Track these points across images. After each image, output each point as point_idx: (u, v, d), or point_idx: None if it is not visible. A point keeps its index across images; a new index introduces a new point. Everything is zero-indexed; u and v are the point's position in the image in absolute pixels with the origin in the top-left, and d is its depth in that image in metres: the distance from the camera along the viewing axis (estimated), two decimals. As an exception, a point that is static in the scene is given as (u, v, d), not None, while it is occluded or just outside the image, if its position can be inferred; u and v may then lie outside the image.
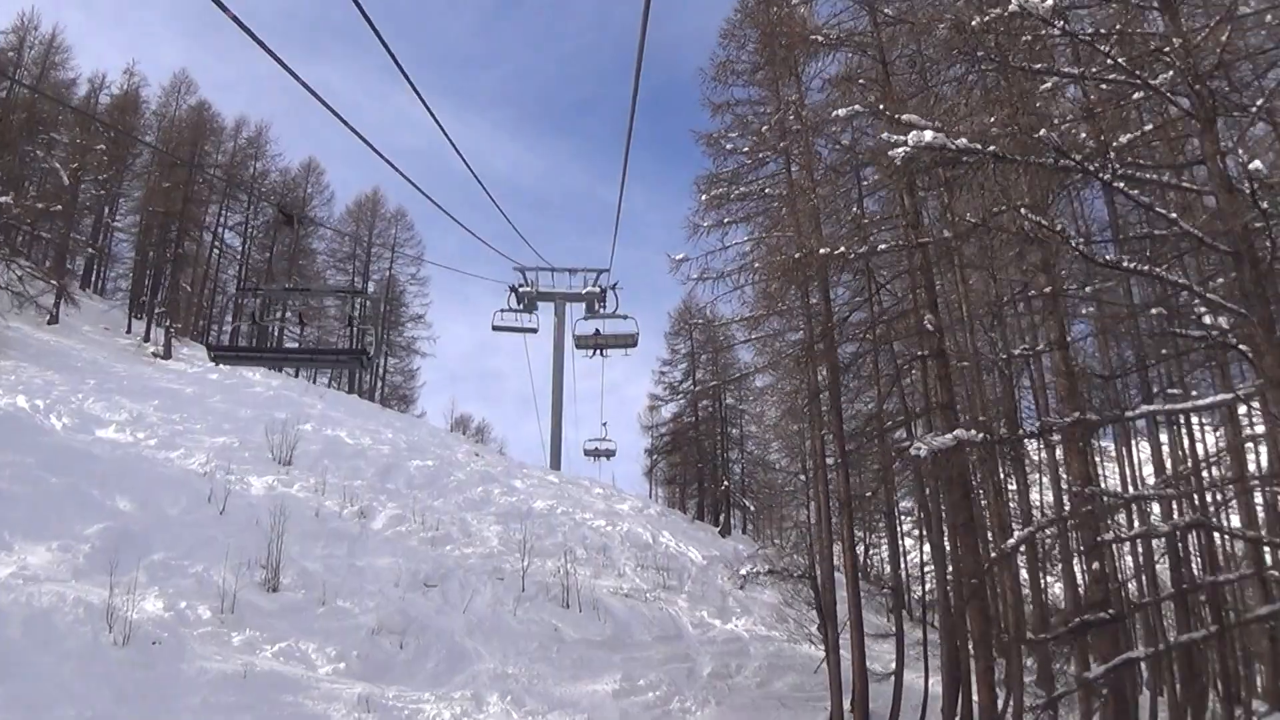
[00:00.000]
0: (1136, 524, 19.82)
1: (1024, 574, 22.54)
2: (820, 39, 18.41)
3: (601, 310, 39.61)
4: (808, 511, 26.21)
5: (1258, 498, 18.17)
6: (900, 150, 9.65)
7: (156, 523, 16.42)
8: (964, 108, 12.66)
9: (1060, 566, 21.15)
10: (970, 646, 17.50)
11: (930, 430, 18.00)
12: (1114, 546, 16.63)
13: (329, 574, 16.69)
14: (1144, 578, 20.62)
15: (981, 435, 12.04)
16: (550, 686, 15.79)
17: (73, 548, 14.26)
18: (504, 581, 19.42)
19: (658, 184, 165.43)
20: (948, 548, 19.44)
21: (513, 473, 33.21)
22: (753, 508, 51.30)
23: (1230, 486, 13.66)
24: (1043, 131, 9.53)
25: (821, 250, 15.69)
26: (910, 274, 17.85)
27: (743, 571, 25.16)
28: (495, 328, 40.44)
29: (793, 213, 20.59)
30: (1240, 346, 9.63)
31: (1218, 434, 22.97)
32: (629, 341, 37.54)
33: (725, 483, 47.91)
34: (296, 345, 49.04)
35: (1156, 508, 19.65)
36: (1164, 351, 16.01)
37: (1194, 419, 21.69)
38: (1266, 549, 15.81)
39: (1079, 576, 19.70)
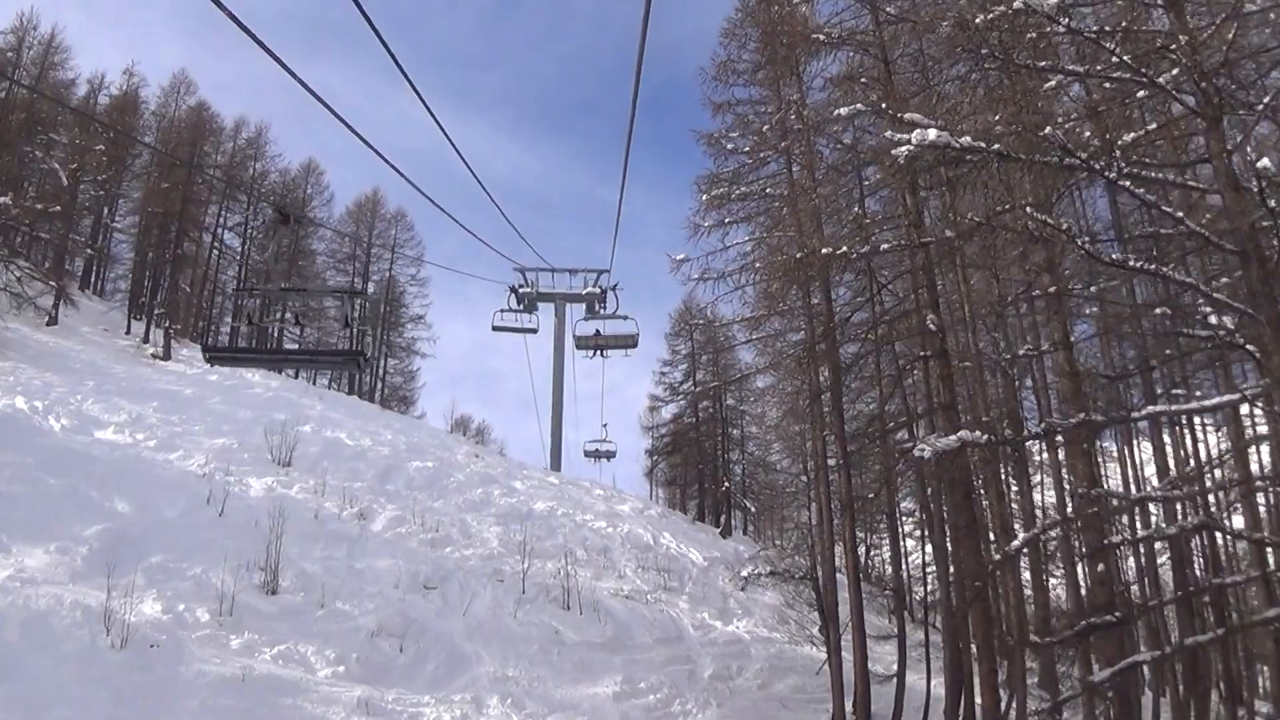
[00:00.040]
0: (1139, 526, 19.76)
1: (1025, 575, 22.48)
2: (822, 38, 18.33)
3: (602, 311, 39.58)
4: (809, 513, 26.18)
5: (1260, 498, 18.13)
6: (904, 149, 9.56)
7: (155, 525, 16.33)
8: (967, 106, 12.56)
9: (1063, 568, 21.06)
10: (973, 648, 17.44)
11: (932, 431, 17.91)
12: (1118, 548, 16.51)
13: (328, 576, 16.60)
14: (1146, 580, 20.52)
15: (986, 437, 11.94)
16: (551, 689, 15.71)
17: (71, 550, 14.17)
18: (504, 583, 19.34)
19: (658, 184, 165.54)
20: (949, 549, 19.36)
21: (513, 474, 33.13)
22: (754, 509, 51.21)
23: (1236, 488, 13.54)
24: (1048, 130, 9.45)
25: (824, 250, 15.60)
26: (912, 274, 17.77)
27: (744, 573, 25.10)
28: (495, 328, 40.41)
29: (794, 212, 20.52)
30: (1248, 346, 9.54)
31: (1219, 434, 22.91)
32: (629, 342, 37.51)
33: (726, 484, 47.83)
34: (296, 346, 49.03)
35: (1156, 508, 19.60)
36: (1168, 352, 15.90)
37: (1196, 419, 21.65)
38: (1270, 550, 15.74)
39: (1081, 578, 19.65)
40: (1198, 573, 19.23)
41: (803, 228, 19.45)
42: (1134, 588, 20.86)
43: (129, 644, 11.88)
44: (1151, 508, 19.28)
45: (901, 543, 26.79)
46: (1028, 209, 10.37)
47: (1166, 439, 21.36)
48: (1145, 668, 20.32)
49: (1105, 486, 17.65)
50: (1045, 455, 22.72)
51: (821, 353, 19.36)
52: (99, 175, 46.77)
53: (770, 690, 19.30)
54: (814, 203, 19.62)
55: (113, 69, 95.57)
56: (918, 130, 9.28)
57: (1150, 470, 23.74)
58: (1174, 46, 9.36)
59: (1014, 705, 16.84)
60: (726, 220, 24.07)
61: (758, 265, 23.00)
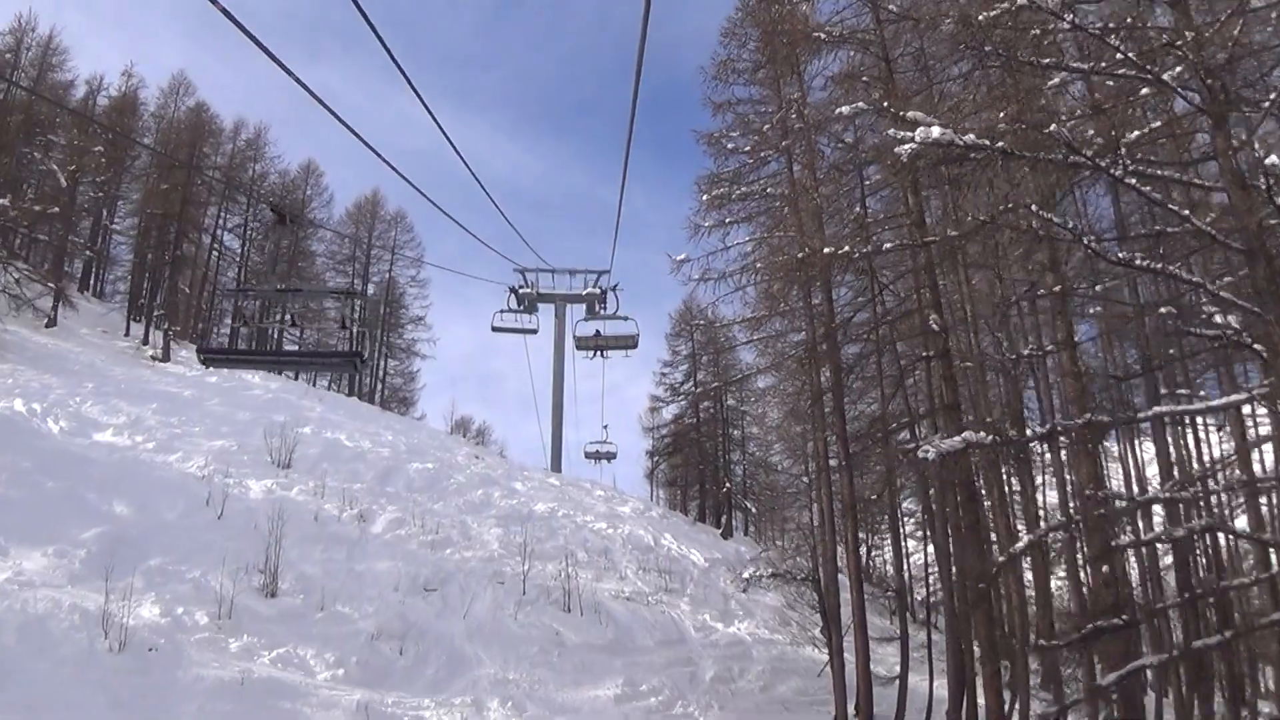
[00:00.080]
0: (1142, 527, 19.68)
1: (1027, 576, 22.40)
2: (822, 36, 18.26)
3: (602, 311, 39.58)
4: (810, 514, 26.09)
5: (1263, 499, 18.05)
6: (907, 147, 9.48)
7: (154, 527, 16.25)
8: (969, 105, 12.49)
9: (1065, 570, 20.97)
10: (976, 650, 17.36)
11: (935, 432, 17.84)
12: (1125, 551, 16.42)
13: (328, 579, 16.52)
14: (1150, 582, 20.45)
15: (991, 438, 11.86)
16: (551, 692, 15.63)
17: (69, 553, 14.10)
18: (504, 585, 19.25)
19: (658, 185, 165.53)
20: (952, 550, 19.27)
21: (513, 475, 33.04)
22: (755, 510, 51.13)
23: (1245, 489, 13.46)
24: (1053, 127, 9.37)
25: (825, 249, 15.51)
26: (914, 274, 17.71)
27: (745, 575, 25.03)
28: (495, 329, 40.36)
29: (795, 212, 20.45)
30: (1255, 346, 9.46)
31: (1221, 434, 22.84)
32: (629, 343, 37.51)
33: (727, 485, 47.76)
34: (296, 348, 48.93)
35: (1160, 510, 19.50)
36: (1171, 352, 15.82)
37: (1198, 419, 21.57)
38: (1274, 551, 15.66)
39: (1082, 580, 19.56)
40: (1200, 574, 19.13)
41: (804, 227, 19.39)
42: (1136, 590, 20.81)
43: (127, 647, 11.81)
44: (1155, 509, 19.17)
45: (903, 543, 26.72)
46: (1033, 207, 10.27)
47: (1168, 439, 21.28)
48: (1148, 669, 20.25)
49: (1109, 487, 17.54)
50: (1047, 456, 22.62)
51: (823, 353, 19.30)
52: (98, 177, 46.69)
53: (772, 692, 19.23)
54: (815, 202, 19.55)
55: (112, 70, 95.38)
56: (921, 128, 9.20)
57: (1152, 471, 23.66)
58: (1179, 43, 9.27)
59: (1017, 706, 16.77)
60: (727, 220, 24.02)
61: (759, 265, 22.94)
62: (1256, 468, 17.29)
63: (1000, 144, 9.26)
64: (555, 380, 45.59)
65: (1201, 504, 16.82)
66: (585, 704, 15.67)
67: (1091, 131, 11.13)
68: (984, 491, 19.21)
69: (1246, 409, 15.88)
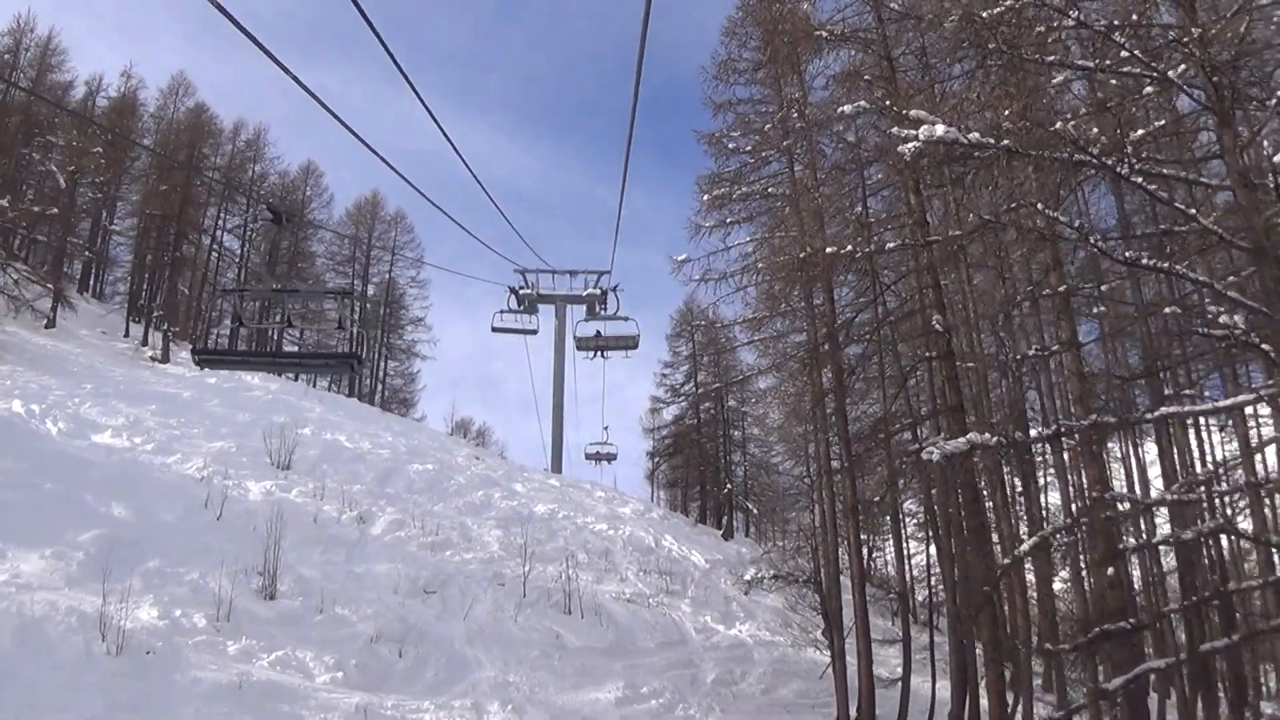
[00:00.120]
0: (1144, 530, 19.57)
1: (1029, 578, 22.31)
2: (824, 35, 18.17)
3: (602, 312, 39.53)
4: (812, 515, 25.99)
5: (1267, 501, 17.93)
6: (910, 145, 9.40)
7: (152, 529, 16.14)
8: (972, 103, 12.40)
9: (1068, 572, 20.89)
10: (978, 651, 17.26)
11: (938, 433, 17.76)
12: (1133, 553, 16.33)
13: (327, 581, 16.41)
14: (1152, 585, 20.35)
15: (996, 439, 11.77)
16: (552, 695, 15.54)
17: (66, 555, 13.97)
18: (505, 587, 19.17)
19: (659, 185, 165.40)
20: (955, 552, 19.19)
21: (513, 476, 32.95)
22: (756, 511, 51.04)
23: (1251, 491, 13.35)
24: (1059, 125, 9.27)
25: (827, 249, 15.42)
26: (917, 274, 17.62)
27: (747, 577, 24.95)
28: (495, 329, 40.28)
29: (796, 212, 20.38)
30: (1263, 346, 9.36)
31: (1223, 435, 22.73)
32: (630, 343, 37.48)
33: (728, 486, 47.65)
34: (296, 349, 48.86)
35: (1162, 512, 19.41)
36: (1176, 352, 15.73)
37: (1201, 421, 21.46)
38: (1277, 554, 15.55)
39: (1085, 583, 19.47)
40: (1204, 577, 19.01)
41: (805, 227, 19.32)
42: (1139, 592, 20.72)
43: (124, 650, 11.70)
44: (1158, 511, 19.08)
45: (904, 544, 26.62)
46: (1039, 206, 10.18)
47: (1171, 441, 21.18)
48: (1154, 673, 20.16)
49: (1113, 489, 17.45)
50: (1050, 457, 22.53)
51: (825, 354, 19.22)
52: (97, 178, 46.63)
53: (774, 695, 19.14)
54: (816, 202, 19.49)
55: (111, 71, 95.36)
56: (925, 126, 9.11)
57: (1154, 472, 23.57)
58: (1186, 40, 9.18)
59: (1019, 709, 16.69)
60: (728, 220, 23.97)
61: (760, 266, 22.87)
62: (1259, 469, 17.20)
63: (1005, 142, 9.16)
64: (555, 381, 45.53)
65: (1204, 506, 16.73)
66: (586, 706, 15.57)
67: (1095, 130, 11.04)
68: (986, 493, 19.14)
69: (1249, 409, 15.79)
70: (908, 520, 30.70)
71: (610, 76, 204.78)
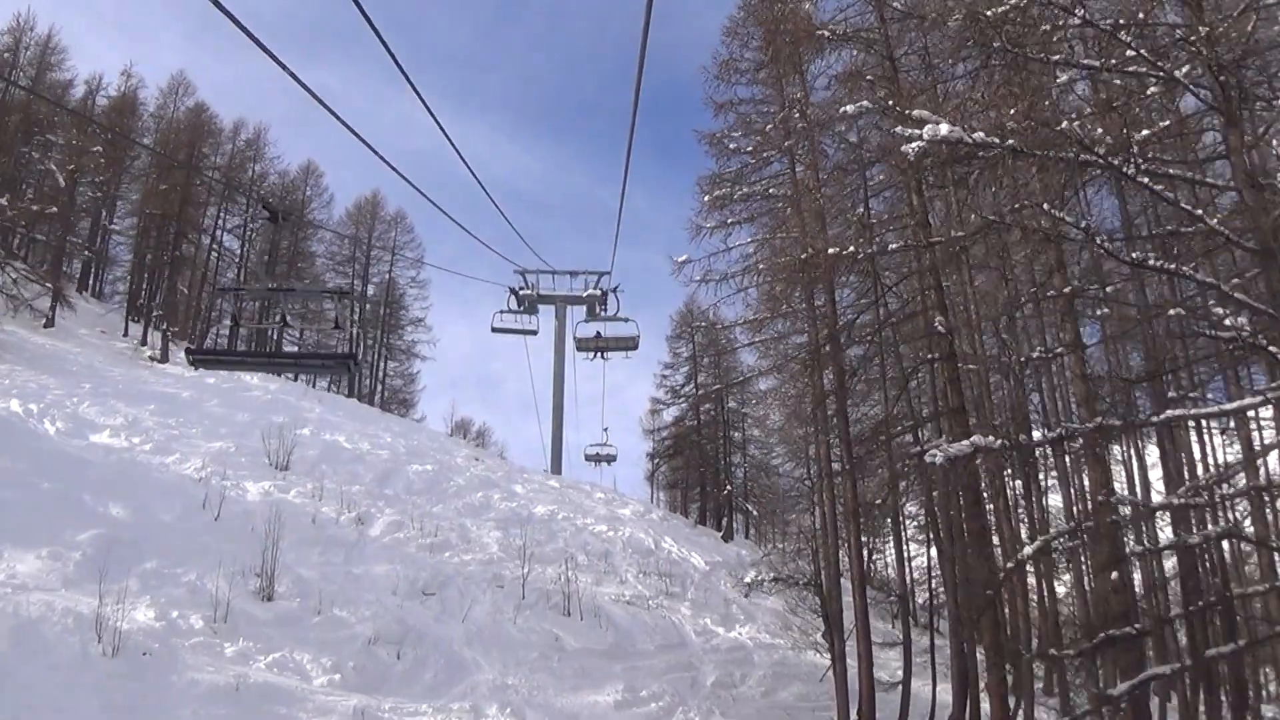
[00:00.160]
0: (1146, 532, 19.50)
1: (1030, 581, 22.24)
2: (826, 34, 18.10)
3: (602, 313, 39.50)
4: (812, 517, 25.92)
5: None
6: (914, 145, 9.31)
7: (149, 530, 16.05)
8: (975, 103, 12.32)
9: (1070, 575, 20.82)
10: (979, 655, 17.18)
11: (939, 435, 17.67)
12: (1140, 557, 16.23)
13: (325, 582, 16.31)
14: (1154, 589, 20.26)
15: (1000, 442, 11.68)
16: (551, 697, 15.44)
17: (63, 555, 13.88)
18: (504, 589, 19.08)
19: (659, 187, 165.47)
20: (956, 555, 19.11)
21: (513, 477, 32.87)
22: (756, 513, 50.98)
23: (1260, 494, 13.26)
24: (1065, 124, 9.20)
25: (829, 250, 15.34)
26: (919, 275, 17.53)
27: (747, 579, 24.87)
28: (495, 329, 40.23)
29: (798, 213, 20.31)
30: (1270, 348, 9.28)
31: (1224, 438, 22.66)
32: (630, 344, 37.47)
33: (728, 487, 47.59)
34: (296, 349, 48.77)
35: (1164, 516, 19.32)
36: (1178, 354, 15.65)
37: (1203, 424, 21.39)
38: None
39: (1087, 586, 19.40)
40: (1207, 581, 18.95)
41: (807, 228, 19.23)
42: (1141, 596, 20.64)
43: (121, 652, 11.60)
44: (1160, 514, 19.00)
45: (904, 547, 26.54)
46: (1045, 206, 10.10)
47: (1175, 444, 21.10)
48: (1159, 678, 20.09)
49: (1116, 492, 17.37)
50: (1051, 460, 22.46)
51: (826, 355, 19.13)
52: (97, 177, 46.60)
53: (774, 698, 19.05)
54: (818, 203, 19.41)
55: (111, 70, 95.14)
56: (929, 125, 9.02)
57: (1155, 475, 23.50)
58: (1193, 39, 9.10)
59: (1021, 712, 16.61)
60: (729, 221, 23.90)
61: (761, 267, 22.80)
62: (1261, 473, 17.13)
63: (1010, 142, 9.08)
64: (555, 382, 45.42)
65: (1208, 511, 16.66)
66: (585, 709, 15.47)
67: (1100, 130, 10.96)
68: (988, 495, 19.07)
69: (1252, 412, 15.72)
70: (908, 523, 30.66)
71: (610, 76, 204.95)
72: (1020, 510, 21.90)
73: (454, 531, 22.04)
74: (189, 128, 52.74)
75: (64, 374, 29.89)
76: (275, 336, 46.55)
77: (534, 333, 41.25)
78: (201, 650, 12.76)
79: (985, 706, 16.66)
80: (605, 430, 57.45)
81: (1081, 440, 12.47)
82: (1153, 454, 24.09)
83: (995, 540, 18.65)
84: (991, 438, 11.62)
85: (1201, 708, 19.04)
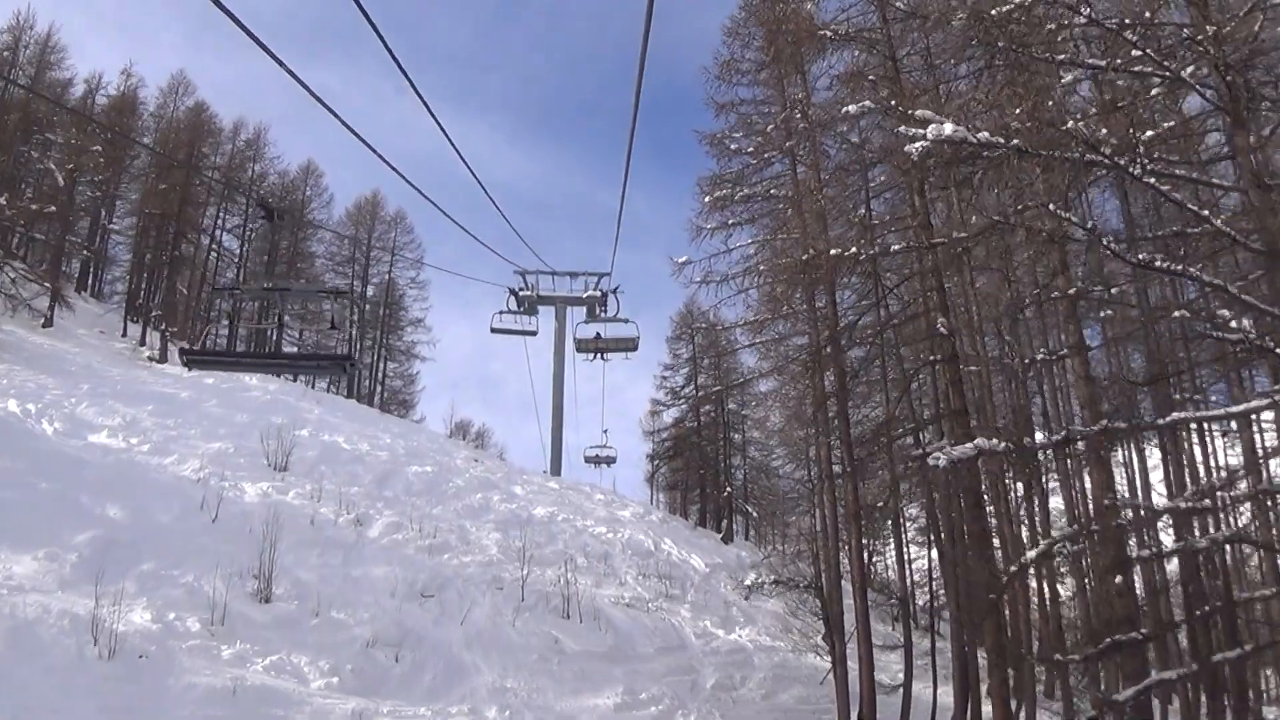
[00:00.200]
0: (1148, 536, 19.41)
1: (1032, 583, 22.16)
2: (828, 35, 18.02)
3: (602, 314, 39.40)
4: (813, 519, 25.85)
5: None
6: (917, 145, 9.23)
7: (147, 531, 15.96)
8: (979, 103, 12.24)
9: (1072, 578, 20.73)
10: (980, 658, 17.10)
11: (940, 437, 17.60)
12: (1148, 562, 16.15)
13: (323, 584, 16.23)
14: (1156, 593, 20.17)
15: (1004, 444, 11.59)
16: (550, 700, 15.36)
17: (60, 557, 13.81)
18: (503, 591, 18.99)
19: (659, 188, 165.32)
20: (958, 558, 19.02)
21: (512, 479, 32.76)
22: (756, 514, 50.88)
23: (1264, 498, 13.18)
24: (1070, 124, 9.11)
25: (832, 251, 15.26)
26: (921, 276, 17.45)
27: (747, 582, 24.79)
28: (494, 330, 40.11)
29: (799, 214, 20.24)
30: (1277, 350, 9.20)
31: (1225, 440, 22.60)
32: (630, 345, 37.40)
33: (728, 489, 47.48)
34: (296, 349, 48.65)
35: (1167, 519, 19.24)
36: (1181, 356, 15.57)
37: (1205, 426, 21.31)
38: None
39: (1089, 589, 19.32)
40: (1210, 585, 18.86)
41: (808, 229, 19.15)
42: (1144, 600, 20.57)
43: (117, 654, 11.53)
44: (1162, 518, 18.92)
45: (905, 549, 26.46)
46: (1050, 207, 10.01)
47: (1178, 447, 21.03)
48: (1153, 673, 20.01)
49: (1119, 495, 17.29)
50: (1054, 463, 22.37)
51: (827, 357, 19.04)
52: (96, 176, 46.48)
53: (774, 701, 18.98)
54: (819, 204, 19.34)
55: (111, 70, 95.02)
56: (933, 125, 8.93)
57: (1155, 477, 23.44)
58: (1200, 39, 9.02)
59: (1023, 715, 16.53)
60: (730, 222, 23.82)
61: (762, 268, 22.72)
62: (1264, 476, 17.06)
63: (1015, 142, 8.99)
64: (555, 383, 45.31)
65: (1209, 515, 16.57)
66: (584, 713, 15.40)
67: (1105, 131, 10.89)
68: (988, 498, 18.99)
69: (1254, 415, 15.63)
70: (908, 525, 30.59)
71: (610, 76, 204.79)
72: (1021, 513, 21.84)
73: (453, 533, 21.96)
74: (189, 127, 52.61)
75: (62, 374, 29.78)
76: (275, 337, 46.40)
77: (533, 333, 41.17)
78: (198, 653, 12.68)
79: (987, 709, 16.60)
80: (605, 432, 57.52)
81: (1083, 444, 12.37)
82: (1153, 457, 24.04)
83: (996, 543, 18.58)
84: (996, 440, 11.54)
85: (1203, 710, 18.96)
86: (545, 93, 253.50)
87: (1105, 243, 9.86)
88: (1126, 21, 9.70)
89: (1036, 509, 20.70)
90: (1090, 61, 10.74)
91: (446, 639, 16.01)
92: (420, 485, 25.31)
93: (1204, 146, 14.55)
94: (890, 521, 23.91)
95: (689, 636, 20.74)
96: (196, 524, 16.96)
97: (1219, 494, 13.45)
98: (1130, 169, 9.25)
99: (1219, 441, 23.29)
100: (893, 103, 14.07)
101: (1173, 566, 20.16)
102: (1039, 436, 17.38)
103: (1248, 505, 15.42)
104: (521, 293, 40.38)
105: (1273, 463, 17.53)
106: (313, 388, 46.42)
